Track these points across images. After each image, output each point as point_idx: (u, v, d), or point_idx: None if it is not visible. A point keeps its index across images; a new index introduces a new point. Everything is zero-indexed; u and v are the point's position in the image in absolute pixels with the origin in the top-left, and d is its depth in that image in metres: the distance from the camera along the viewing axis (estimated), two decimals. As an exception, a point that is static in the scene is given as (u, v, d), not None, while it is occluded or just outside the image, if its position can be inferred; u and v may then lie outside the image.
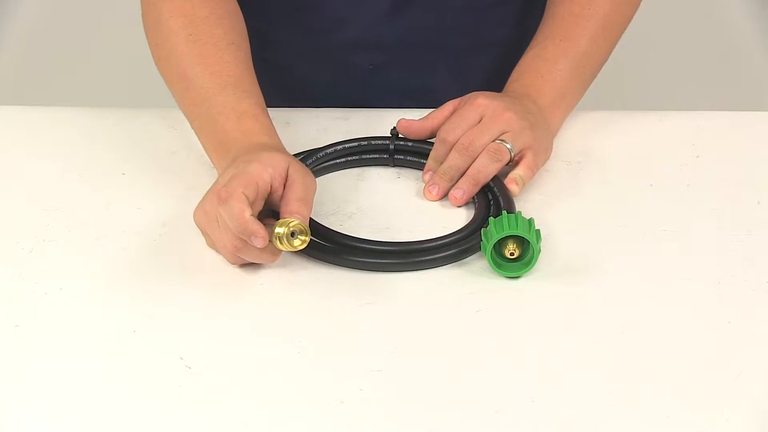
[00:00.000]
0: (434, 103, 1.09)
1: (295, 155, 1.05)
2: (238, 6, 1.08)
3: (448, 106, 1.06)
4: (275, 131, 0.99)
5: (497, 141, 1.01)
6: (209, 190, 0.93)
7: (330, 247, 0.94)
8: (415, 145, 1.07)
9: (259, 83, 1.03)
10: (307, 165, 1.03)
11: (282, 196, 0.92)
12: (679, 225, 0.99)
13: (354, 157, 1.07)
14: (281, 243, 0.89)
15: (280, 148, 0.97)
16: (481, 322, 0.88)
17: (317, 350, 0.85)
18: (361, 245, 0.94)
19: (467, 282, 0.92)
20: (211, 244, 0.94)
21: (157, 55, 1.05)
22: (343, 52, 1.19)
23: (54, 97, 2.18)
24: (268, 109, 1.02)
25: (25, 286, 0.91)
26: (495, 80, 1.18)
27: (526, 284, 0.92)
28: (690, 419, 0.79)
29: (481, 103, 1.02)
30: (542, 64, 1.09)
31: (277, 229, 0.89)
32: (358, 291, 0.91)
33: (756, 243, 0.97)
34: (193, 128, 1.03)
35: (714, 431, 0.78)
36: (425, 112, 1.08)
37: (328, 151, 1.06)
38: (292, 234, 0.89)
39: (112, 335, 0.86)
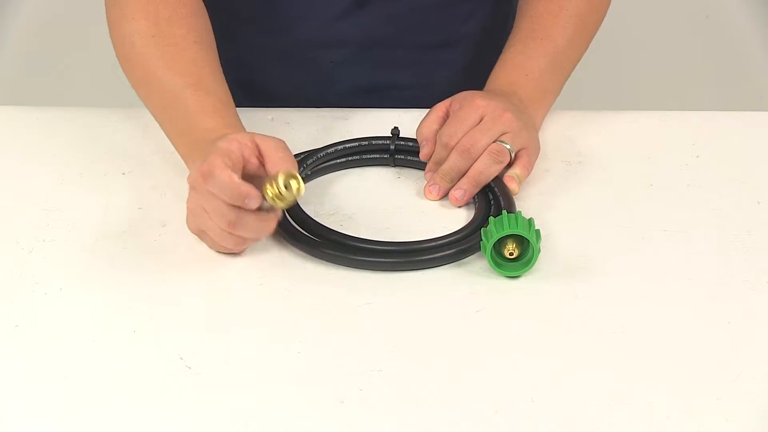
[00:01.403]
0: (397, 100, 1.09)
1: (295, 155, 1.05)
2: (203, 4, 1.07)
3: (440, 109, 1.05)
4: (240, 124, 0.99)
5: (498, 142, 1.01)
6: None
7: (330, 246, 0.94)
8: (416, 145, 1.06)
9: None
10: (306, 165, 1.03)
11: (264, 164, 0.92)
12: (679, 225, 0.99)
13: (354, 157, 1.07)
14: (280, 200, 0.88)
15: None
16: (481, 322, 0.88)
17: (317, 350, 0.85)
18: (361, 245, 0.94)
19: (467, 282, 0.92)
20: (212, 244, 0.94)
21: (122, 57, 1.05)
22: (302, 49, 1.19)
23: (54, 97, 2.18)
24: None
25: (25, 286, 0.91)
26: (457, 79, 1.20)
27: (526, 284, 0.92)
28: (690, 419, 0.79)
29: (480, 104, 1.02)
30: (526, 62, 1.10)
31: (268, 189, 0.88)
32: (358, 291, 0.91)
33: (756, 243, 0.97)
34: (163, 131, 1.03)
35: (714, 431, 0.78)
36: (422, 112, 1.08)
37: (329, 151, 1.06)
38: (285, 187, 0.89)
39: (112, 335, 0.86)
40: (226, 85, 1.02)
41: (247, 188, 0.88)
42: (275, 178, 0.88)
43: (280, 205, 0.89)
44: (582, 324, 0.88)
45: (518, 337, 0.87)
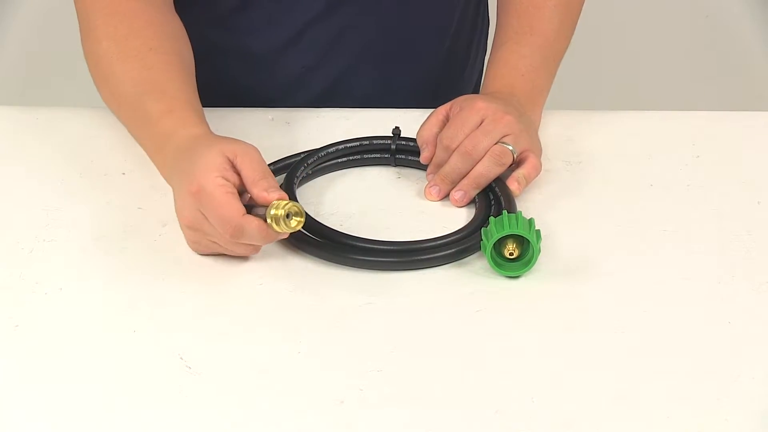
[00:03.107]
0: (365, 104, 1.12)
1: (295, 155, 1.05)
2: (168, 13, 1.07)
3: (440, 113, 1.05)
4: (195, 118, 0.98)
5: (500, 143, 1.01)
6: (178, 216, 0.93)
7: (330, 245, 0.94)
8: (417, 145, 1.06)
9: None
10: (307, 165, 1.03)
11: (242, 182, 0.91)
12: (679, 225, 0.99)
13: (355, 157, 1.07)
14: (277, 224, 0.89)
15: (201, 138, 0.95)
16: (481, 322, 0.88)
17: (317, 350, 0.85)
18: (360, 244, 0.94)
19: (467, 282, 0.92)
20: (224, 250, 0.93)
21: (96, 83, 1.06)
22: (274, 53, 1.19)
23: (54, 97, 2.18)
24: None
25: (25, 286, 0.91)
26: (422, 88, 1.21)
27: (526, 284, 0.92)
28: (690, 419, 0.79)
29: (481, 106, 1.02)
30: (520, 62, 1.10)
31: (273, 211, 0.89)
32: (358, 291, 0.91)
33: (756, 243, 0.97)
34: (139, 144, 1.03)
35: (714, 431, 0.78)
36: (422, 112, 1.08)
37: (330, 150, 1.06)
38: (287, 215, 0.89)
39: (112, 335, 0.86)
40: (186, 83, 1.02)
41: (276, 236, 0.90)
42: (282, 206, 0.89)
43: (275, 228, 0.89)
44: (582, 324, 0.88)
45: (518, 337, 0.87)
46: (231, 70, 1.19)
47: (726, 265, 0.94)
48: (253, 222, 0.89)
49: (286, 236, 0.92)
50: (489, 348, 0.86)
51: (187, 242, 0.94)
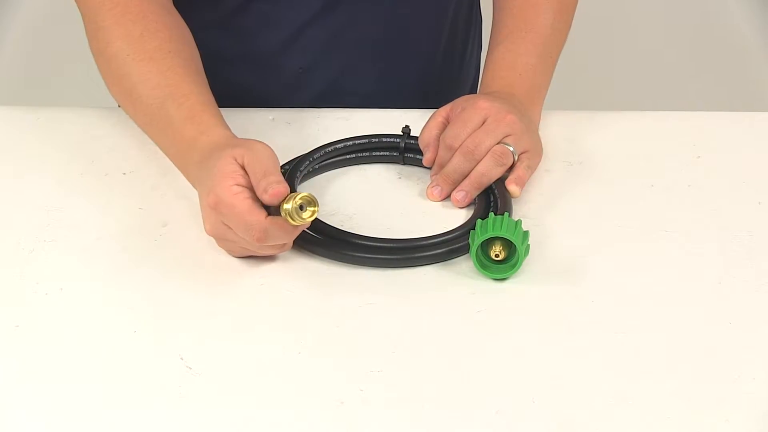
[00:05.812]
0: (364, 104, 1.11)
1: (303, 156, 1.04)
2: (177, 15, 1.07)
3: (439, 115, 1.05)
4: (216, 122, 0.98)
5: (501, 144, 1.01)
6: (204, 221, 0.93)
7: (326, 242, 0.94)
8: (424, 145, 1.06)
9: None
10: (315, 158, 1.03)
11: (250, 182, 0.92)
12: (680, 225, 0.99)
13: (364, 154, 1.07)
14: (292, 218, 0.89)
15: (219, 144, 0.95)
16: (481, 323, 0.88)
17: (317, 350, 0.85)
18: (356, 241, 0.94)
19: (468, 282, 0.92)
20: (255, 252, 0.94)
21: (108, 82, 1.05)
22: (271, 55, 1.18)
23: (54, 97, 2.18)
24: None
25: (26, 286, 0.91)
26: (421, 86, 1.21)
27: (526, 284, 0.92)
28: (690, 419, 0.79)
29: (483, 105, 1.02)
30: (517, 60, 1.10)
31: (285, 206, 0.89)
32: (359, 291, 0.91)
33: (756, 243, 0.97)
34: (158, 146, 1.03)
35: (714, 431, 0.78)
36: (424, 112, 1.08)
37: (338, 146, 1.05)
38: (301, 207, 0.89)
39: (112, 335, 0.86)
40: (204, 86, 1.02)
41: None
42: (294, 198, 0.89)
43: (290, 222, 0.89)
44: (582, 324, 0.88)
45: (519, 337, 0.87)
46: (230, 71, 1.19)
47: (726, 265, 0.94)
48: (276, 222, 0.89)
49: (306, 226, 0.92)
50: (490, 348, 0.86)
51: (218, 242, 0.95)
